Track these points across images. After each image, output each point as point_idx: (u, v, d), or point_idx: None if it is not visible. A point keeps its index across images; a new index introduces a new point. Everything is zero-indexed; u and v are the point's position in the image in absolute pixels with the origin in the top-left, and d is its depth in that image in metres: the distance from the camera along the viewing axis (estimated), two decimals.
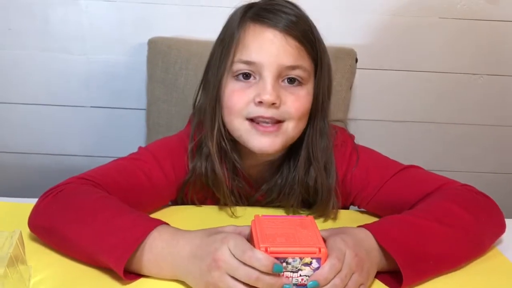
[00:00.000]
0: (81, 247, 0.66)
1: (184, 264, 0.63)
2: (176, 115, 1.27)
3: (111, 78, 1.39)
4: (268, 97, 0.76)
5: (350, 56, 1.29)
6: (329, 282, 0.59)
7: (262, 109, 0.77)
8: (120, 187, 0.77)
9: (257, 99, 0.77)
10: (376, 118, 1.47)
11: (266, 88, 0.76)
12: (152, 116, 1.31)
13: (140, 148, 0.87)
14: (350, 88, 1.32)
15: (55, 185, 0.75)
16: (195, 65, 1.24)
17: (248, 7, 0.81)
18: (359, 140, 0.92)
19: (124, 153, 0.86)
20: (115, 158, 0.84)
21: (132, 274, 0.65)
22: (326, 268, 0.59)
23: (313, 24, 0.82)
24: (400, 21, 1.37)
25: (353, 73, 1.31)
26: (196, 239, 0.64)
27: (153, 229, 0.65)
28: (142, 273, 0.65)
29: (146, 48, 1.30)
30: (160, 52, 1.27)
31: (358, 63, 1.31)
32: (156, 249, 0.64)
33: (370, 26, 1.37)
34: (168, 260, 0.64)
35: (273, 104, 0.77)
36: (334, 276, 0.59)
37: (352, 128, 0.96)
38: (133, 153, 0.85)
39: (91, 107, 1.42)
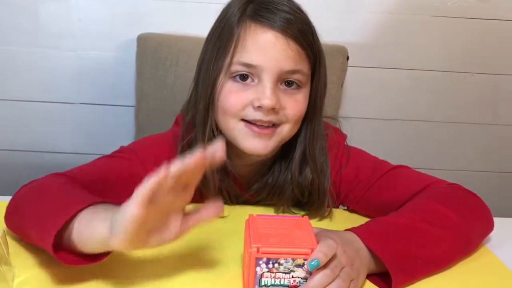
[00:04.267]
0: (30, 233, 0.64)
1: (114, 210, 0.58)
2: (166, 112, 1.25)
3: (101, 74, 1.38)
4: (267, 101, 0.74)
5: (341, 54, 1.29)
6: (328, 260, 0.58)
7: (260, 113, 0.75)
8: (101, 184, 0.76)
9: (256, 104, 0.75)
10: (367, 116, 1.47)
11: (266, 92, 0.74)
12: (141, 113, 1.30)
13: (121, 147, 0.86)
14: (341, 85, 1.32)
15: (30, 181, 0.73)
16: (185, 62, 1.23)
17: (247, 3, 0.77)
18: (350, 138, 0.92)
19: (113, 150, 0.85)
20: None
21: (81, 259, 0.60)
22: (323, 246, 0.58)
23: (313, 24, 0.79)
24: (391, 19, 1.37)
25: (344, 71, 1.31)
26: None
27: (90, 203, 0.61)
28: (73, 243, 0.60)
29: (135, 44, 1.29)
30: (150, 49, 1.26)
31: (349, 61, 1.31)
32: (87, 213, 0.60)
33: (362, 23, 1.37)
34: (100, 215, 0.60)
35: (273, 109, 0.75)
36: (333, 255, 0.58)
37: (342, 126, 0.96)
38: (115, 151, 0.84)
39: (80, 103, 1.40)
